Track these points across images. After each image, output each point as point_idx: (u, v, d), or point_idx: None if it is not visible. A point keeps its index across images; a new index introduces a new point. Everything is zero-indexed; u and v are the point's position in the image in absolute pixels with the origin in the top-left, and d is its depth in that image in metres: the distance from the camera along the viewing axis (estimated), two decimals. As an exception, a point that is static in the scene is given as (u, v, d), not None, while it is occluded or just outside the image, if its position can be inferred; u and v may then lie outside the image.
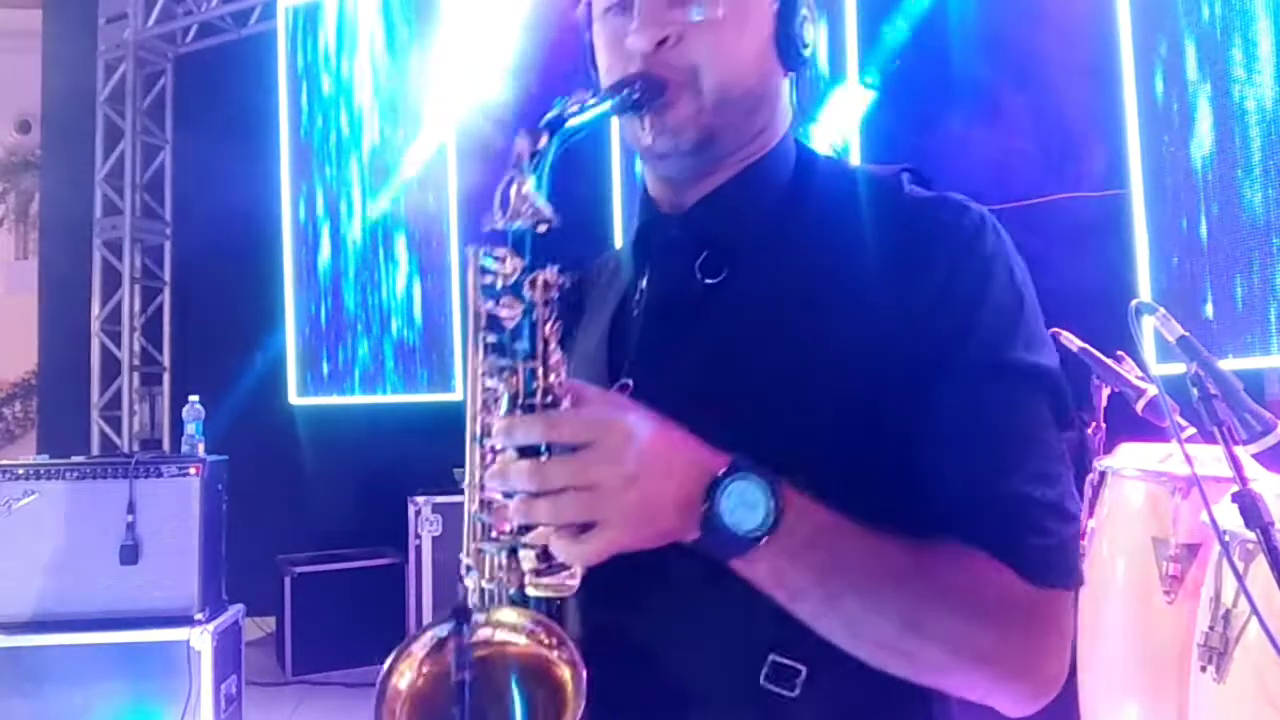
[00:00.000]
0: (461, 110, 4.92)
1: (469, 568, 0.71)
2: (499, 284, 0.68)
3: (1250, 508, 1.36)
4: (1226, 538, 1.57)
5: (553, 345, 0.68)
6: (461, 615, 0.67)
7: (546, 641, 0.67)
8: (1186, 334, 1.64)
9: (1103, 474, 2.29)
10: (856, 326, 0.77)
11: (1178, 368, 1.62)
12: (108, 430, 5.59)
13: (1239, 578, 1.54)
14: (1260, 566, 1.46)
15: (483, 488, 0.70)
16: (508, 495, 0.65)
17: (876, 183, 0.85)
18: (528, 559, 0.66)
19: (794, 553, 0.67)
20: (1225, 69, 2.98)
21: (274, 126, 5.31)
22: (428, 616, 4.28)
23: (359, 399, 5.12)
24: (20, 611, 3.00)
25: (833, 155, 0.93)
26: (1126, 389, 2.29)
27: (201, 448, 3.41)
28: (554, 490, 0.62)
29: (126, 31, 5.62)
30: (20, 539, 3.03)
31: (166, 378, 5.76)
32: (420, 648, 0.69)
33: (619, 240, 3.63)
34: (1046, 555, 0.72)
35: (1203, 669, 1.67)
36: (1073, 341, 2.35)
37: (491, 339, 0.69)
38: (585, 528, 0.63)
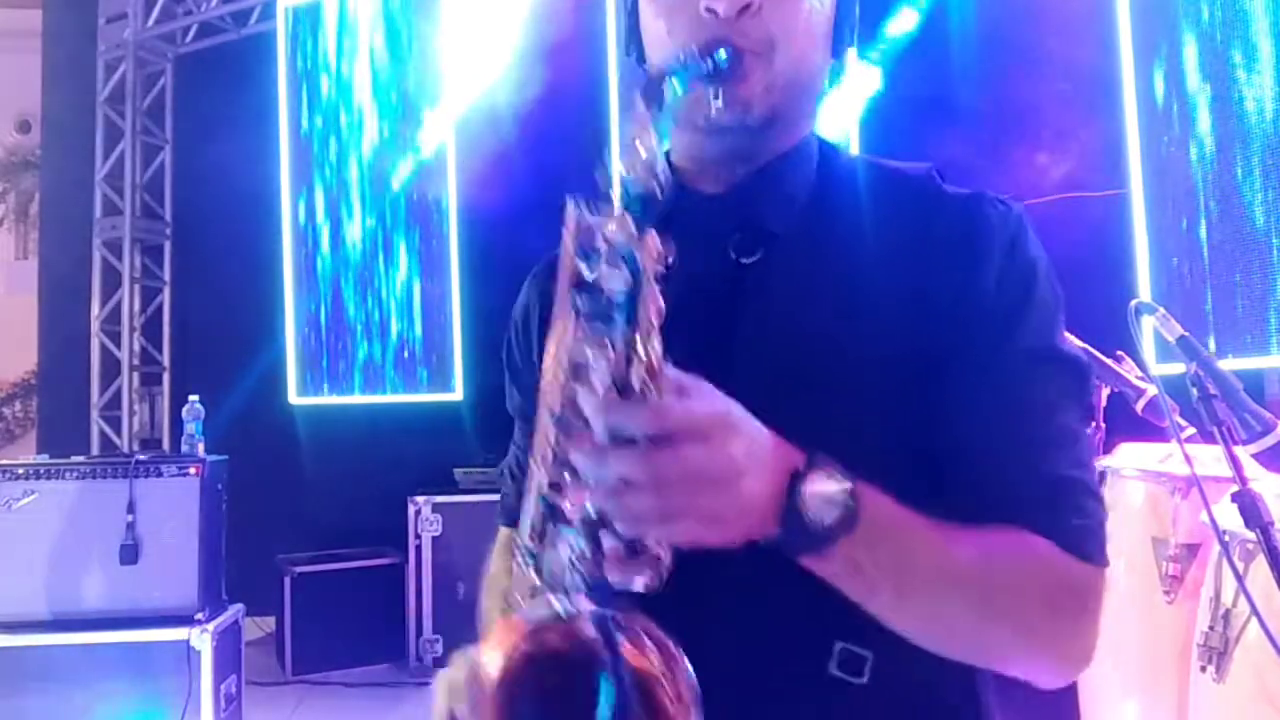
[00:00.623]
0: (462, 109, 4.92)
1: (531, 553, 0.67)
2: (604, 247, 0.61)
3: (1250, 508, 1.36)
4: (1226, 538, 1.57)
5: (655, 321, 0.61)
6: (605, 621, 0.60)
7: (661, 668, 0.62)
8: (1186, 334, 1.64)
9: (1103, 474, 2.29)
10: (899, 316, 0.77)
11: (1177, 368, 1.62)
12: (108, 430, 5.59)
13: (1239, 578, 1.54)
14: (1260, 566, 1.47)
15: (555, 466, 0.64)
16: (578, 475, 0.61)
17: (909, 178, 0.85)
18: (613, 549, 0.61)
19: (868, 548, 0.67)
20: (1225, 69, 2.98)
21: (274, 126, 5.31)
22: (428, 616, 4.28)
23: (359, 399, 5.12)
24: (20, 611, 3.00)
25: (845, 146, 0.93)
26: (1126, 389, 2.29)
27: (201, 448, 3.41)
28: (663, 480, 0.59)
29: (126, 31, 5.62)
30: (20, 539, 3.03)
31: (166, 378, 5.76)
32: (531, 624, 0.63)
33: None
34: (1090, 534, 0.75)
35: (1203, 669, 1.67)
36: (1073, 342, 2.35)
37: (588, 306, 0.62)
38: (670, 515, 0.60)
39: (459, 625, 4.17)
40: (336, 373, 5.17)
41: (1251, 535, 1.38)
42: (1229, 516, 1.46)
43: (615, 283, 0.60)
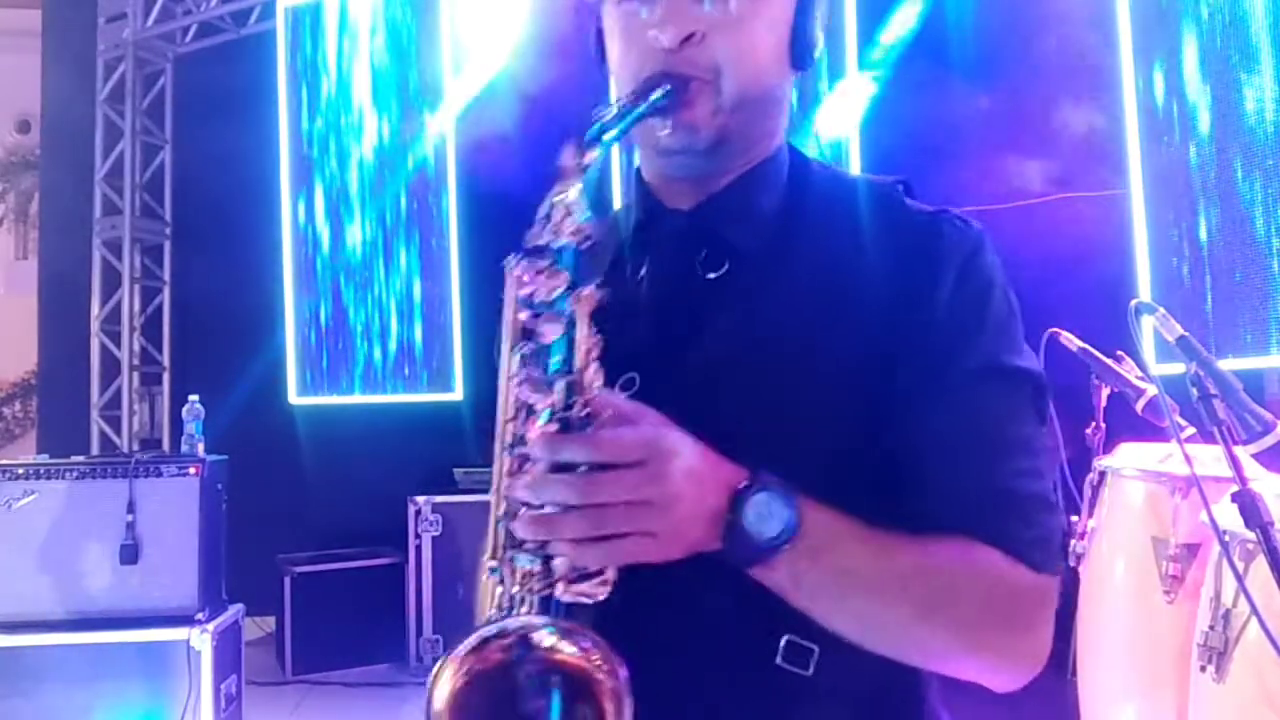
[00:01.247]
0: (462, 109, 4.92)
1: (495, 570, 0.71)
2: (539, 298, 0.68)
3: (1250, 508, 1.36)
4: (1226, 538, 1.57)
5: (593, 361, 0.68)
6: (522, 631, 0.65)
7: (597, 662, 0.66)
8: (1186, 334, 1.64)
9: (1102, 474, 2.29)
10: (859, 329, 0.80)
11: (1177, 368, 1.62)
12: (108, 430, 5.59)
13: (1239, 578, 1.54)
14: (1260, 566, 1.46)
15: (509, 494, 0.70)
16: (531, 505, 0.66)
17: (876, 193, 0.87)
18: (561, 565, 0.66)
19: (810, 558, 0.70)
20: (1225, 69, 2.98)
21: (274, 126, 5.30)
22: (428, 616, 4.28)
23: (359, 399, 5.12)
24: (20, 611, 3.00)
25: (821, 159, 0.95)
26: (1126, 389, 2.29)
27: (201, 447, 3.41)
28: (598, 504, 0.64)
29: (126, 31, 5.62)
30: (20, 539, 3.03)
31: (166, 377, 5.75)
32: (466, 648, 0.67)
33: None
34: (1038, 544, 0.77)
35: (1202, 669, 1.67)
36: (1072, 341, 2.35)
37: (529, 351, 0.69)
38: (613, 536, 0.64)
39: (459, 625, 4.16)
40: (336, 373, 5.17)
41: (1251, 535, 1.38)
42: (1229, 516, 1.46)
43: (551, 330, 0.68)
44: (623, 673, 0.64)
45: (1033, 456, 0.80)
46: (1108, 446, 2.39)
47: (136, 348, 5.70)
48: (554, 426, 0.67)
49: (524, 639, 0.64)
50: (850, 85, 3.80)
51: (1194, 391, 1.52)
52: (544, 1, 4.62)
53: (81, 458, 3.29)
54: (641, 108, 0.76)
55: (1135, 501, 2.15)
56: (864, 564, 0.72)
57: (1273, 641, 1.38)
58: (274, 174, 5.30)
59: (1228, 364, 1.98)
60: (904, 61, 3.77)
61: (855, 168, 3.80)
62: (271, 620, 4.60)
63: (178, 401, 5.06)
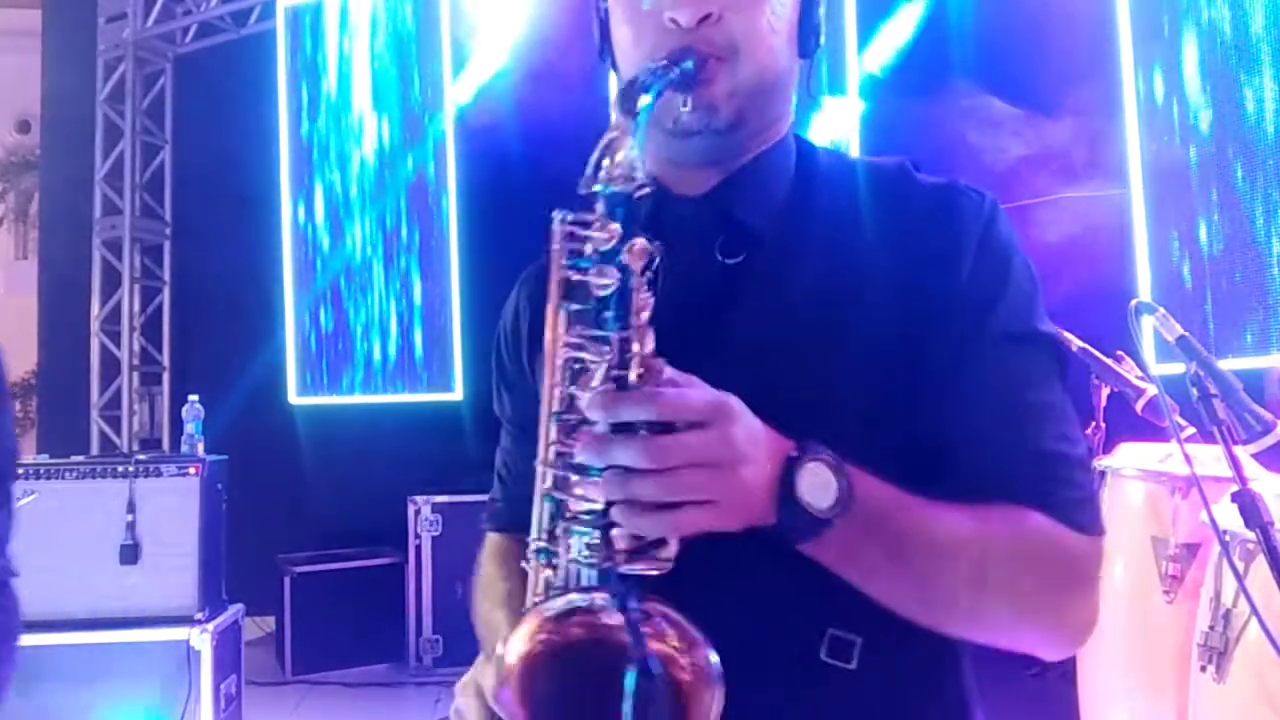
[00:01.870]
0: (462, 109, 4.92)
1: (544, 551, 0.69)
2: (591, 251, 0.64)
3: (1250, 508, 1.36)
4: (1226, 538, 1.57)
5: (646, 318, 0.64)
6: (626, 594, 0.61)
7: (678, 645, 0.63)
8: (1186, 334, 1.64)
9: (1102, 474, 2.29)
10: (883, 304, 0.80)
11: (1177, 368, 1.62)
12: (107, 430, 5.59)
13: (1239, 578, 1.54)
14: (1260, 566, 1.46)
15: (558, 465, 0.66)
16: (583, 471, 0.63)
17: (884, 171, 0.88)
18: (622, 538, 0.63)
19: (864, 530, 0.69)
20: (1225, 69, 2.98)
21: (273, 126, 5.30)
22: (427, 616, 4.28)
23: (359, 399, 5.12)
24: (20, 611, 2.99)
25: (829, 146, 0.95)
26: (1126, 389, 2.29)
27: (201, 447, 3.41)
28: (668, 468, 0.60)
29: (126, 31, 5.62)
30: (20, 539, 3.02)
31: (166, 378, 5.75)
32: (553, 613, 0.64)
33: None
34: (1083, 505, 0.77)
35: (1203, 669, 1.67)
36: (1072, 341, 2.35)
37: (580, 308, 0.66)
38: (674, 504, 0.61)
39: (459, 625, 4.16)
40: (336, 373, 5.17)
41: (1251, 535, 1.38)
42: (1229, 516, 1.46)
43: (605, 283, 0.63)
44: (714, 667, 0.62)
45: (1066, 420, 0.80)
46: (1108, 446, 2.39)
47: (136, 348, 5.70)
48: (609, 385, 0.62)
49: (632, 619, 0.60)
50: (844, 101, 3.81)
51: (1194, 391, 1.52)
52: (544, 2, 4.62)
53: (81, 458, 3.29)
54: (673, 74, 0.74)
55: (1135, 501, 2.15)
56: (916, 533, 0.71)
57: (1273, 641, 1.38)
58: (274, 174, 5.30)
59: (1228, 364, 1.98)
60: (904, 61, 3.77)
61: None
62: (271, 620, 4.59)
63: (178, 401, 5.06)
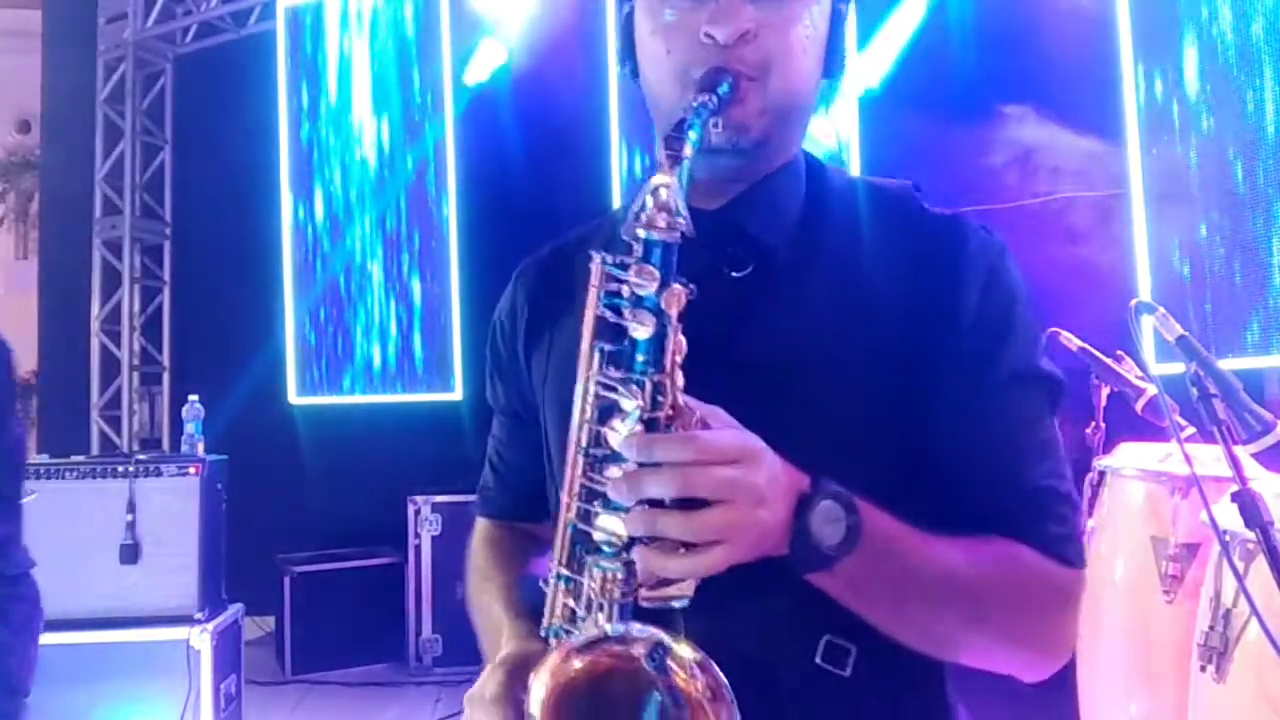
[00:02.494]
0: (462, 108, 4.92)
1: (565, 577, 0.71)
2: (629, 293, 0.67)
3: (1250, 507, 1.36)
4: (1226, 537, 1.57)
5: (678, 361, 0.67)
6: (659, 648, 0.64)
7: (703, 690, 0.65)
8: (1186, 333, 1.64)
9: (1102, 474, 2.29)
10: (882, 329, 0.81)
11: (1177, 367, 1.62)
12: (108, 430, 5.59)
13: (1239, 578, 1.54)
14: (1260, 566, 1.46)
15: (583, 497, 0.69)
16: (609, 505, 0.66)
17: (889, 194, 0.89)
18: (644, 571, 0.65)
19: (869, 565, 0.71)
20: (1225, 69, 2.98)
21: (273, 126, 5.30)
22: (427, 616, 4.28)
23: (359, 399, 5.12)
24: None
25: (829, 160, 0.96)
26: (1126, 389, 2.29)
27: (201, 447, 3.41)
28: (689, 502, 0.63)
29: (126, 31, 5.62)
30: (20, 539, 3.03)
31: (166, 377, 5.75)
32: (578, 645, 0.66)
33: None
34: (1069, 540, 0.81)
35: (1203, 669, 1.67)
36: (1072, 341, 2.35)
37: (614, 349, 0.68)
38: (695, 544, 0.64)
39: (458, 625, 4.16)
40: (336, 373, 5.17)
41: (1251, 535, 1.38)
42: (1229, 516, 1.46)
43: (643, 328, 0.66)
44: (730, 703, 0.63)
45: (1057, 456, 0.83)
46: (1108, 446, 2.39)
47: (136, 348, 5.70)
48: (640, 428, 0.65)
49: (657, 653, 0.63)
50: (848, 84, 3.80)
51: (1194, 391, 1.52)
52: (546, 1, 4.62)
53: (81, 458, 3.29)
54: (711, 102, 0.75)
55: (1135, 501, 2.15)
56: (918, 569, 0.74)
57: (1273, 641, 1.38)
58: (274, 174, 5.29)
59: (1228, 364, 1.98)
60: (904, 61, 3.77)
61: (855, 166, 3.80)
62: (271, 620, 4.59)
63: (178, 401, 5.06)
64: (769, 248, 0.85)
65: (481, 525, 1.08)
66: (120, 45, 5.64)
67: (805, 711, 0.80)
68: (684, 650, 0.64)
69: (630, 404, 0.66)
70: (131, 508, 3.07)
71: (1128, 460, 2.23)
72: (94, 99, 5.65)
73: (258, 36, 5.46)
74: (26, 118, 10.28)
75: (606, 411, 0.68)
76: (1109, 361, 2.32)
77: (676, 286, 0.66)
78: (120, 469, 3.11)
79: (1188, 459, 1.58)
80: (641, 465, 0.64)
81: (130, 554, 3.05)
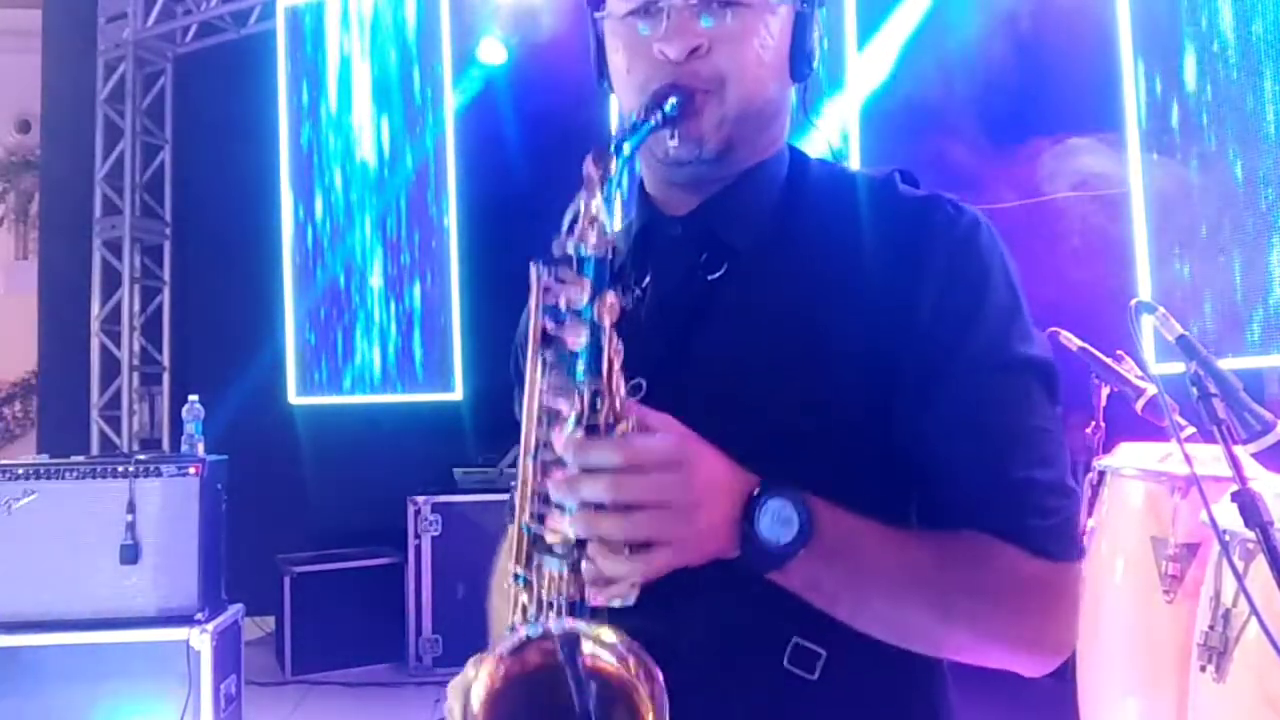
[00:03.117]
0: (463, 108, 4.92)
1: (521, 577, 0.73)
2: (564, 305, 0.69)
3: (1250, 507, 1.36)
4: (1226, 537, 1.57)
5: (617, 367, 0.68)
6: (569, 636, 0.67)
7: (635, 670, 0.67)
8: (1186, 333, 1.64)
9: (1102, 473, 2.29)
10: (858, 322, 0.80)
11: (1177, 367, 1.62)
12: (108, 430, 5.59)
13: (1239, 577, 1.54)
14: (1260, 566, 1.46)
15: (535, 500, 0.71)
16: (560, 507, 0.67)
17: (870, 183, 0.88)
18: (589, 570, 0.67)
19: (826, 561, 0.72)
20: (1225, 69, 2.98)
21: (273, 126, 5.30)
22: (427, 616, 4.28)
23: (359, 399, 5.12)
24: (20, 611, 3.00)
25: (826, 158, 0.96)
26: (1126, 388, 2.29)
27: (201, 447, 3.40)
28: (625, 505, 0.65)
29: (126, 31, 5.61)
30: (20, 539, 3.03)
31: (166, 378, 5.75)
32: (506, 649, 0.68)
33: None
34: (1052, 533, 0.78)
35: (1202, 669, 1.67)
36: (1072, 341, 2.35)
37: (554, 358, 0.70)
38: (640, 546, 0.66)
39: (459, 625, 4.17)
40: (336, 373, 5.17)
41: (1251, 535, 1.38)
42: (1229, 516, 1.46)
43: (577, 338, 0.67)
44: (659, 681, 0.65)
45: (1044, 444, 0.79)
46: (1107, 446, 2.39)
47: (136, 348, 5.70)
48: (580, 433, 0.67)
49: (567, 644, 0.66)
50: (842, 101, 3.80)
51: (1194, 391, 1.52)
52: (544, 2, 4.62)
53: (81, 458, 3.29)
54: (655, 120, 0.77)
55: (1135, 501, 2.15)
56: (879, 564, 0.74)
57: (1273, 641, 1.38)
58: (274, 174, 5.29)
59: (1228, 364, 1.98)
60: (904, 60, 3.77)
61: (855, 167, 3.80)
62: (271, 620, 4.60)
63: (178, 401, 5.06)
64: (738, 249, 0.86)
65: (510, 532, 1.10)
66: (120, 45, 5.64)
67: (768, 713, 0.79)
68: (606, 636, 0.66)
69: (569, 410, 0.68)
70: (131, 508, 3.07)
71: (1128, 460, 2.23)
72: (94, 99, 5.65)
73: (258, 36, 5.46)
74: (26, 118, 10.27)
75: (551, 418, 0.70)
76: (1109, 361, 2.33)
77: (610, 297, 0.68)
78: (120, 469, 3.11)
79: (1188, 459, 1.58)
80: (583, 470, 0.66)
81: (130, 554, 3.05)
